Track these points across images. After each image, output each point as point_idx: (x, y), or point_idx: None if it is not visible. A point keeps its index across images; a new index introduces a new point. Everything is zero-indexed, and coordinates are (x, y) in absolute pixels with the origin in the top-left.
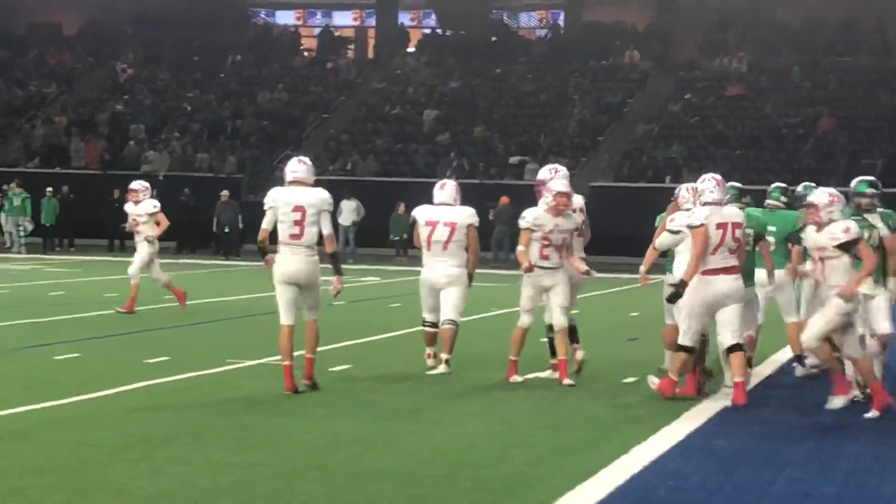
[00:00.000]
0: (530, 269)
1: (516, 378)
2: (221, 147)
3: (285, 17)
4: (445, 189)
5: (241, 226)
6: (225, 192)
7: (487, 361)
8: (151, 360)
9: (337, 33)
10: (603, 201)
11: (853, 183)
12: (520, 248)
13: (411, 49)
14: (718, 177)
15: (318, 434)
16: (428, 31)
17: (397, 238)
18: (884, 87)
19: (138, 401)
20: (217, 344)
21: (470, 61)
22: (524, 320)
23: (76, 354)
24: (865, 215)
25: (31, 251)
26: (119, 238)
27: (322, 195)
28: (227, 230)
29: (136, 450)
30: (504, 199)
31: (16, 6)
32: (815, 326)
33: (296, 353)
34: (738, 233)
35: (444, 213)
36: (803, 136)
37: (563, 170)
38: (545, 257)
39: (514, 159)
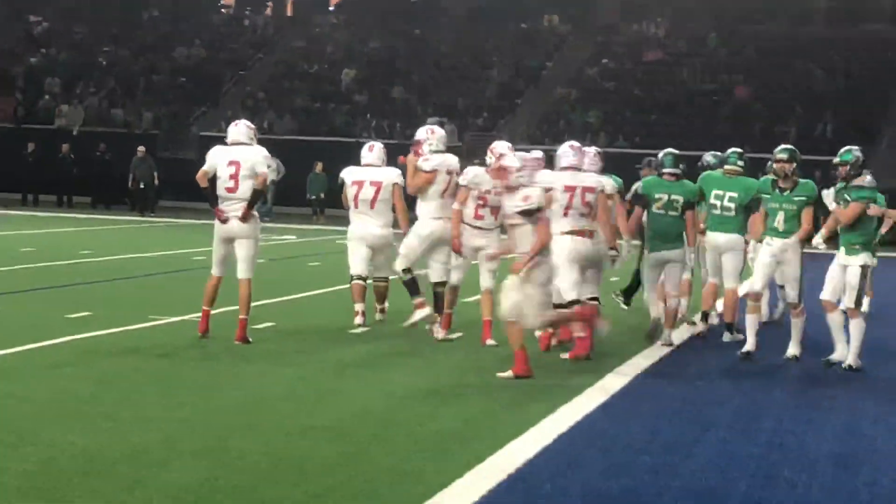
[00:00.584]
0: (457, 248)
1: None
2: (137, 103)
3: None
4: (374, 151)
5: (156, 182)
6: (141, 148)
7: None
8: (73, 315)
9: None
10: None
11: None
12: (455, 206)
13: (331, 8)
14: (576, 143)
15: (247, 391)
16: None
17: (314, 197)
18: (799, 55)
19: (63, 356)
20: (138, 300)
21: (390, 22)
22: (453, 278)
23: None
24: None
25: None
26: (33, 192)
27: (260, 151)
28: (142, 186)
29: (65, 405)
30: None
31: None
32: None
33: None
34: (588, 197)
35: (370, 173)
36: (719, 103)
37: (440, 129)
38: (479, 217)
39: (431, 120)
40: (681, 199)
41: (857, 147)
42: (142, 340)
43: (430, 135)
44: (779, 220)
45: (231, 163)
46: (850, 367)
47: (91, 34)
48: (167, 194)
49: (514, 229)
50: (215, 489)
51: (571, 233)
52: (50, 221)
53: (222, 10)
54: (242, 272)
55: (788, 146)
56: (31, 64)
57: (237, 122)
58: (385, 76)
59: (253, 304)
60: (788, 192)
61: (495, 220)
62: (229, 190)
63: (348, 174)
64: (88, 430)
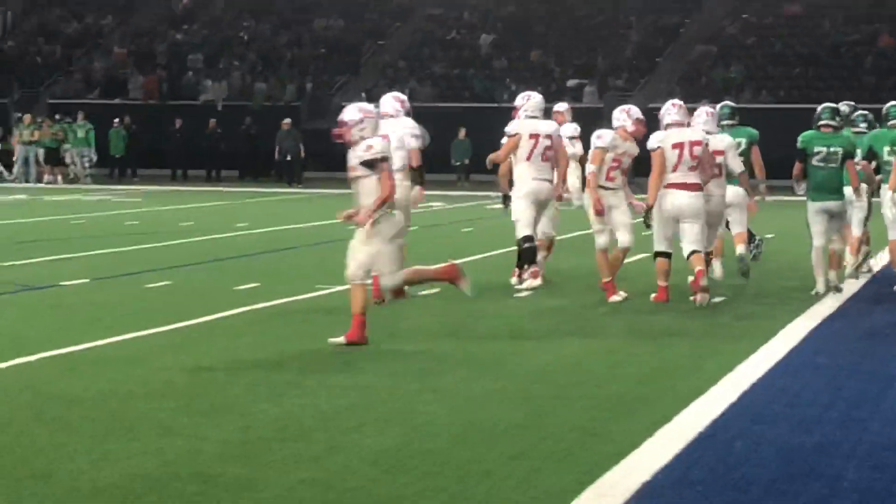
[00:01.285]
0: (599, 210)
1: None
2: (280, 76)
3: None
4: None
5: (302, 154)
6: (287, 121)
7: (574, 281)
8: (241, 287)
9: None
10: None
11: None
12: (591, 167)
13: None
14: (679, 101)
15: (425, 357)
16: None
17: (458, 163)
18: None
19: (239, 326)
20: (301, 270)
21: None
22: (600, 241)
23: (167, 282)
24: None
25: (95, 182)
26: (181, 168)
27: (407, 122)
28: (289, 158)
29: (250, 374)
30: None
31: None
32: None
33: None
34: (696, 150)
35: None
36: (862, 54)
37: (537, 97)
38: (610, 179)
39: (571, 83)
40: (840, 150)
41: None
42: (312, 309)
43: (526, 101)
44: None
45: (382, 136)
46: None
47: (230, 9)
48: (312, 165)
49: (358, 182)
50: (411, 453)
51: (677, 185)
52: (201, 196)
53: None
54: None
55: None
56: (174, 41)
57: (387, 94)
58: (522, 40)
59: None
60: None
61: (624, 181)
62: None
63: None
64: (277, 397)
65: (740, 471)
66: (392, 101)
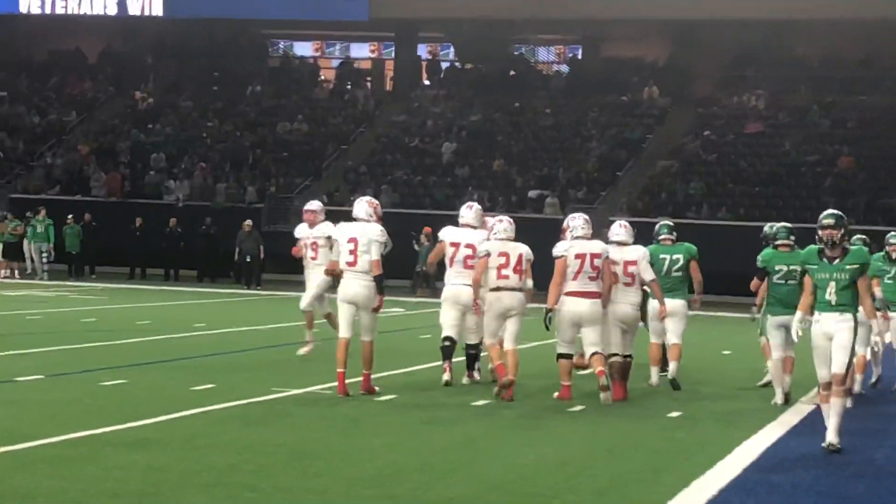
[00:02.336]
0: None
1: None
2: (242, 177)
3: (304, 49)
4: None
5: (262, 255)
6: (248, 222)
7: (528, 389)
8: (198, 388)
9: (355, 65)
10: None
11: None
12: (556, 279)
13: (427, 82)
14: (585, 216)
15: (381, 463)
16: (447, 64)
17: (419, 269)
18: None
19: (195, 427)
20: (258, 372)
21: (489, 95)
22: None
23: (122, 381)
24: None
25: (52, 278)
26: (140, 266)
27: (375, 228)
28: (248, 259)
29: (205, 475)
30: (427, 230)
31: (36, 33)
32: None
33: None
34: (596, 261)
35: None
36: (822, 174)
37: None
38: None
39: (532, 193)
40: (799, 268)
41: None
42: (268, 412)
43: (466, 210)
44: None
45: (350, 239)
46: None
47: (195, 109)
48: (271, 267)
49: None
50: None
51: (577, 293)
52: (159, 295)
53: (323, 84)
54: (365, 337)
55: (834, 211)
56: (137, 139)
57: (361, 198)
58: (485, 149)
59: (374, 375)
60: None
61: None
62: (349, 264)
63: (447, 234)
64: (232, 500)
65: None
66: (366, 205)
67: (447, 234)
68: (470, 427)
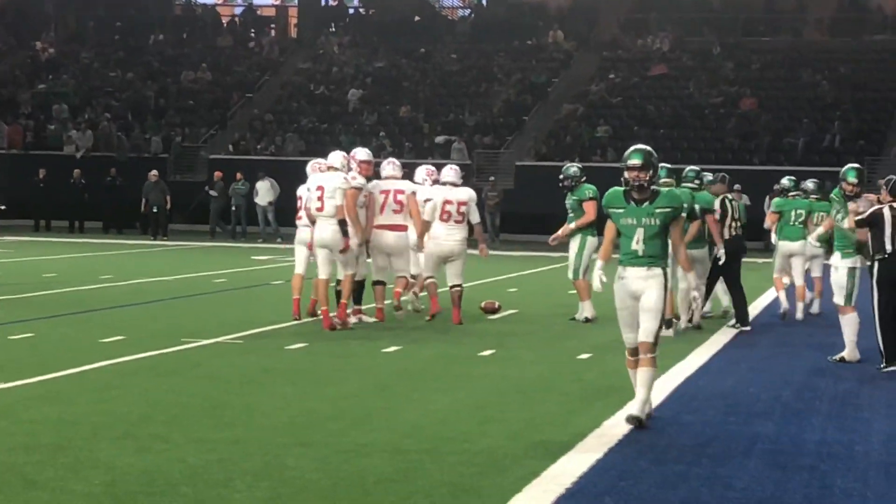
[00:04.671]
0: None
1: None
2: (147, 127)
3: None
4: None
5: (168, 206)
6: (153, 173)
7: (446, 334)
8: (108, 340)
9: (258, 12)
10: (528, 180)
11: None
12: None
13: (332, 29)
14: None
15: (294, 411)
16: (351, 10)
17: None
18: (804, 66)
19: (106, 379)
20: (169, 323)
21: (394, 41)
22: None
23: (31, 334)
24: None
25: None
26: (44, 218)
27: (339, 176)
28: (155, 210)
29: (117, 427)
30: None
31: None
32: None
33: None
34: (399, 197)
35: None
36: (726, 116)
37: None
38: None
39: (439, 139)
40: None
41: (860, 165)
42: (179, 363)
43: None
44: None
45: (318, 187)
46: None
47: (97, 59)
48: (177, 218)
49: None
50: None
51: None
52: (65, 247)
53: (227, 33)
54: (347, 269)
55: (642, 147)
56: (38, 90)
57: (336, 152)
58: (391, 95)
59: (282, 325)
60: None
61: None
62: (318, 210)
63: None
64: (144, 451)
65: None
66: (340, 156)
67: (377, 185)
68: (382, 374)
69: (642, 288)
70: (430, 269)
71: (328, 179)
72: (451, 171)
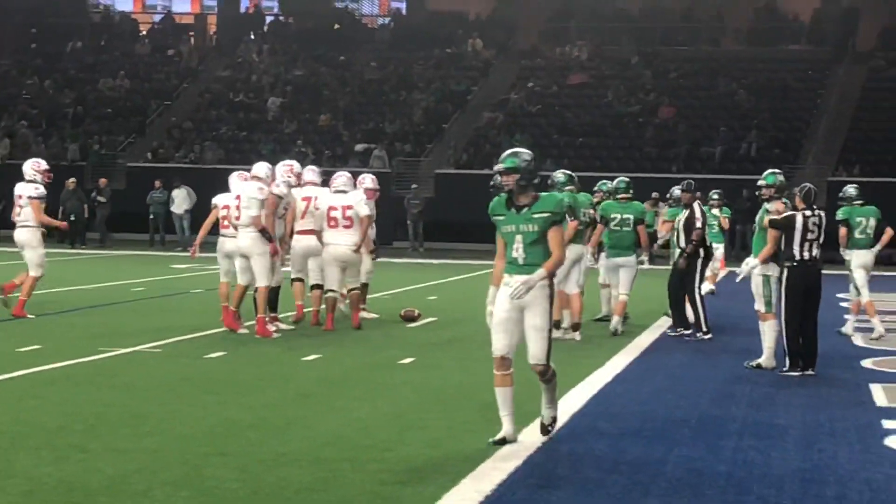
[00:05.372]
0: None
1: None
2: (63, 135)
3: (125, 4)
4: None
5: (86, 214)
6: (71, 180)
7: (360, 344)
8: (24, 349)
9: (177, 20)
10: (448, 188)
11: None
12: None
13: (252, 37)
14: (348, 174)
15: (214, 420)
16: (270, 18)
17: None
18: (722, 75)
19: (23, 389)
20: (86, 332)
21: (314, 49)
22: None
23: None
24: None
25: None
26: None
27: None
28: (72, 218)
29: (34, 437)
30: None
31: None
32: None
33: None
34: (317, 203)
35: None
36: (644, 125)
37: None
38: None
39: (359, 147)
40: (632, 217)
41: (779, 171)
42: (97, 372)
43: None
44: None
45: (236, 196)
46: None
47: (14, 67)
48: (95, 226)
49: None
50: None
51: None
52: None
53: (145, 40)
54: (259, 281)
55: (517, 151)
56: None
57: (261, 163)
58: (311, 103)
59: (202, 333)
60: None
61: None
62: (236, 218)
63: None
64: (62, 461)
65: None
66: (265, 168)
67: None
68: (303, 382)
69: (527, 301)
70: (331, 278)
71: (245, 189)
72: (342, 179)
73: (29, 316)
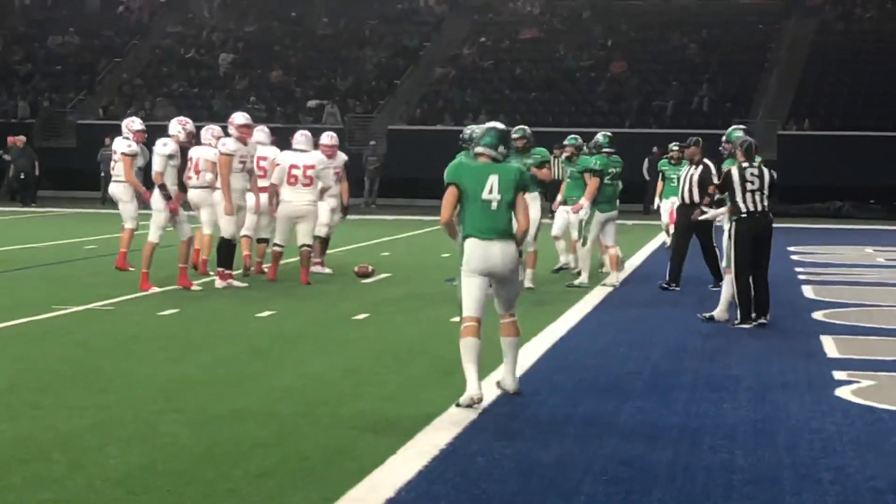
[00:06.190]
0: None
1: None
2: (13, 93)
3: None
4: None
5: (37, 172)
6: (21, 138)
7: (314, 300)
8: None
9: None
10: (400, 144)
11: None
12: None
13: None
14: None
15: (167, 377)
16: None
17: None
18: (673, 29)
19: None
20: (38, 290)
21: (264, 4)
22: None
23: None
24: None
25: None
26: None
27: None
28: (23, 176)
29: None
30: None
31: None
32: None
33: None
34: (262, 163)
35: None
36: (596, 79)
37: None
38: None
39: (312, 103)
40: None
41: (743, 127)
42: (50, 330)
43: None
44: None
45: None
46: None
47: None
48: (46, 184)
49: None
50: (155, 474)
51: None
52: None
53: None
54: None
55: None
56: None
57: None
58: (263, 59)
59: (156, 290)
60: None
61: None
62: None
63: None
64: (15, 417)
65: (481, 486)
66: (175, 122)
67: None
68: (256, 338)
69: None
70: (280, 233)
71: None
72: (301, 138)
73: (130, 269)
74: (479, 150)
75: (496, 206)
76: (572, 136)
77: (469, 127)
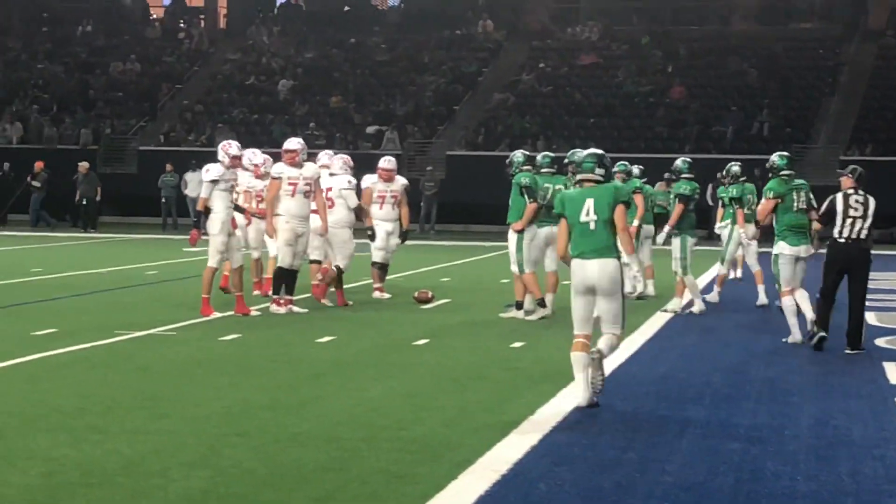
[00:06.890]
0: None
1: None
2: (76, 120)
3: None
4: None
5: (98, 198)
6: (84, 164)
7: (374, 326)
8: (39, 333)
9: (187, 3)
10: (459, 170)
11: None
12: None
13: (263, 19)
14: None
15: (229, 401)
16: (280, 0)
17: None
18: (732, 54)
19: (39, 372)
20: (101, 315)
21: (324, 31)
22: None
23: None
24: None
25: None
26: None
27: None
28: (85, 202)
29: (51, 419)
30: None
31: None
32: None
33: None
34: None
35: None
36: (655, 105)
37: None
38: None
39: (371, 129)
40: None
41: (786, 153)
42: (112, 355)
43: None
44: None
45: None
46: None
47: (24, 50)
48: (108, 210)
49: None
50: (218, 497)
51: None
52: None
53: (155, 23)
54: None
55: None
56: None
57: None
58: (322, 85)
59: (215, 316)
60: None
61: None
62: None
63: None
64: (79, 443)
65: None
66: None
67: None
68: (316, 363)
69: None
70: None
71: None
72: (337, 161)
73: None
74: (579, 177)
75: (594, 226)
76: (621, 162)
77: (572, 151)
